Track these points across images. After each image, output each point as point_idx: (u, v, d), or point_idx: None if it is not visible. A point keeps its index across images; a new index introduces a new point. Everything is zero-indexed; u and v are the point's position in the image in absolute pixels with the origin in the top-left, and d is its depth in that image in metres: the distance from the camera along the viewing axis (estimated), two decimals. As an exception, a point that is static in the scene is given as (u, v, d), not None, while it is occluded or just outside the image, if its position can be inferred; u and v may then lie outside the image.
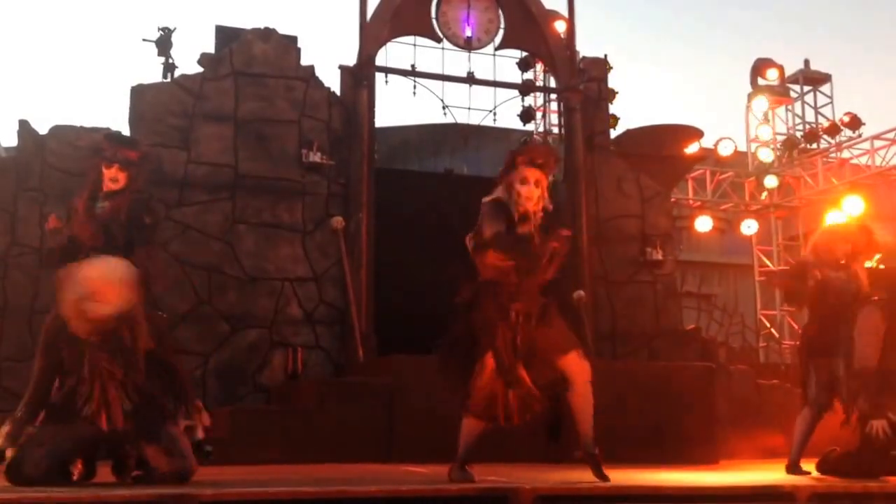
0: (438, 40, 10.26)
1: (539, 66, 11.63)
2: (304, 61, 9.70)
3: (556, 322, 4.56)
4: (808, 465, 5.42)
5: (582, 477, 4.64)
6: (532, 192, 4.48)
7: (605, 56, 11.41)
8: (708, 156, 13.50)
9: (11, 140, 9.15)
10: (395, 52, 10.15)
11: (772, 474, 5.68)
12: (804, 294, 5.74)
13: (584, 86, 10.80)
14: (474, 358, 4.47)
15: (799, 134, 14.65)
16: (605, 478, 4.44)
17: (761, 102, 14.46)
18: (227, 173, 9.18)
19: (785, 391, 10.20)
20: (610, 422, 4.96)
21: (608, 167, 10.76)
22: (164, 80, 9.34)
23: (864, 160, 13.75)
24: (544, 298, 4.54)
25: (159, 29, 9.45)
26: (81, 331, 4.25)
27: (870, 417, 5.02)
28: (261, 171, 9.25)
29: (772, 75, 14.49)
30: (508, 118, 11.46)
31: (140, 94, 9.09)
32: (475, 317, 4.48)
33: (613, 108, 11.74)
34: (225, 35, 9.65)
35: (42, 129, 8.88)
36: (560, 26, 10.95)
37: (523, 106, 11.55)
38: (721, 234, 14.77)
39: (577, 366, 4.51)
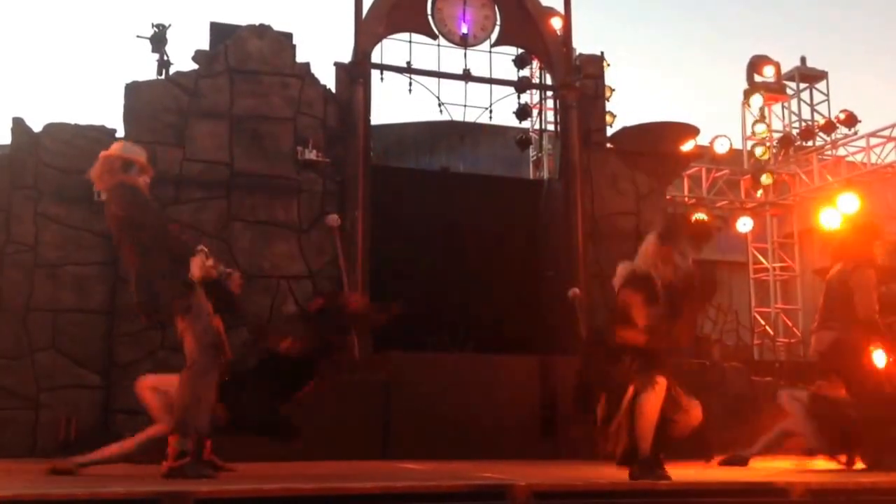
0: (434, 37, 10.24)
1: (535, 64, 11.62)
2: (300, 58, 9.68)
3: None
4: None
5: (576, 474, 4.65)
6: (684, 261, 4.92)
7: (602, 53, 11.42)
8: (704, 153, 13.51)
9: (5, 138, 9.13)
10: (391, 49, 10.15)
11: (766, 470, 5.69)
12: None
13: (581, 83, 10.77)
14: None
15: (795, 131, 14.64)
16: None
17: (757, 100, 14.46)
18: (223, 171, 9.15)
19: (779, 388, 10.23)
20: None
21: (604, 164, 10.74)
22: (159, 77, 9.32)
23: (859, 157, 13.76)
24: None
25: (153, 25, 9.43)
26: None
27: None
28: (256, 168, 9.23)
29: (768, 72, 14.47)
30: (504, 115, 11.47)
31: (134, 91, 9.07)
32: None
33: (610, 106, 11.77)
34: (220, 32, 9.62)
35: (36, 126, 8.87)
36: (556, 23, 10.94)
37: (519, 103, 11.52)
38: (716, 231, 14.75)
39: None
